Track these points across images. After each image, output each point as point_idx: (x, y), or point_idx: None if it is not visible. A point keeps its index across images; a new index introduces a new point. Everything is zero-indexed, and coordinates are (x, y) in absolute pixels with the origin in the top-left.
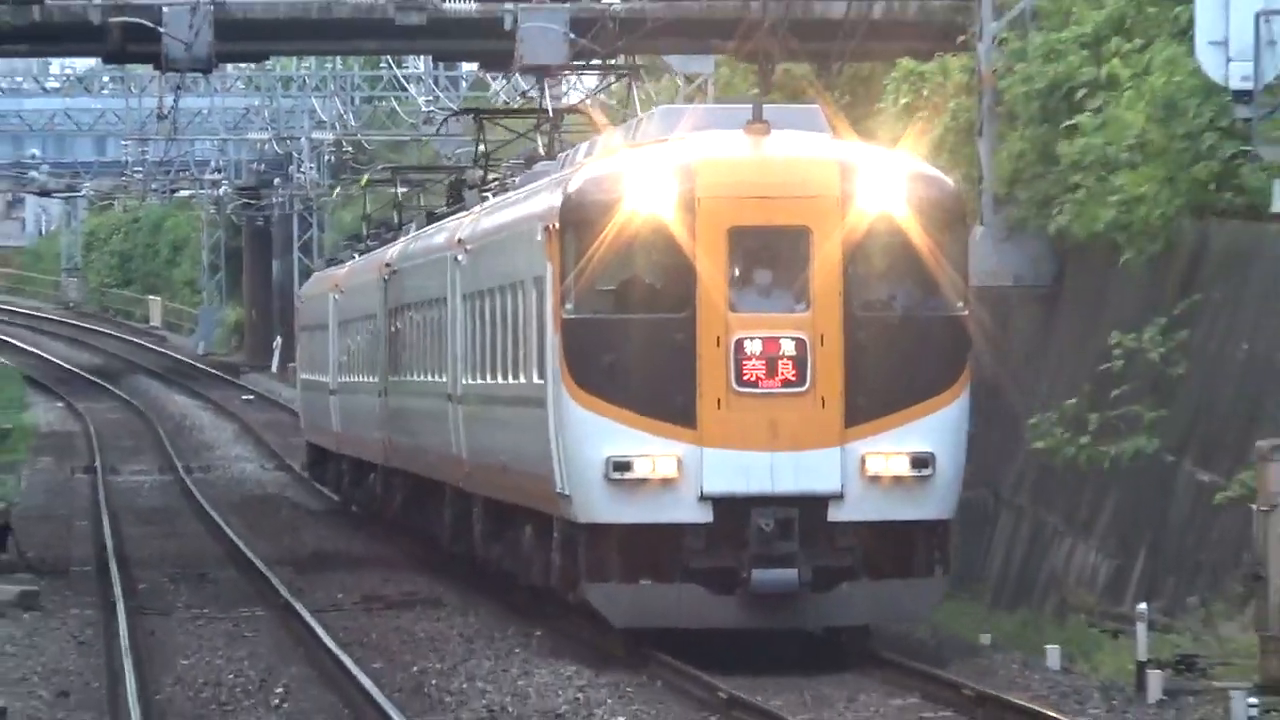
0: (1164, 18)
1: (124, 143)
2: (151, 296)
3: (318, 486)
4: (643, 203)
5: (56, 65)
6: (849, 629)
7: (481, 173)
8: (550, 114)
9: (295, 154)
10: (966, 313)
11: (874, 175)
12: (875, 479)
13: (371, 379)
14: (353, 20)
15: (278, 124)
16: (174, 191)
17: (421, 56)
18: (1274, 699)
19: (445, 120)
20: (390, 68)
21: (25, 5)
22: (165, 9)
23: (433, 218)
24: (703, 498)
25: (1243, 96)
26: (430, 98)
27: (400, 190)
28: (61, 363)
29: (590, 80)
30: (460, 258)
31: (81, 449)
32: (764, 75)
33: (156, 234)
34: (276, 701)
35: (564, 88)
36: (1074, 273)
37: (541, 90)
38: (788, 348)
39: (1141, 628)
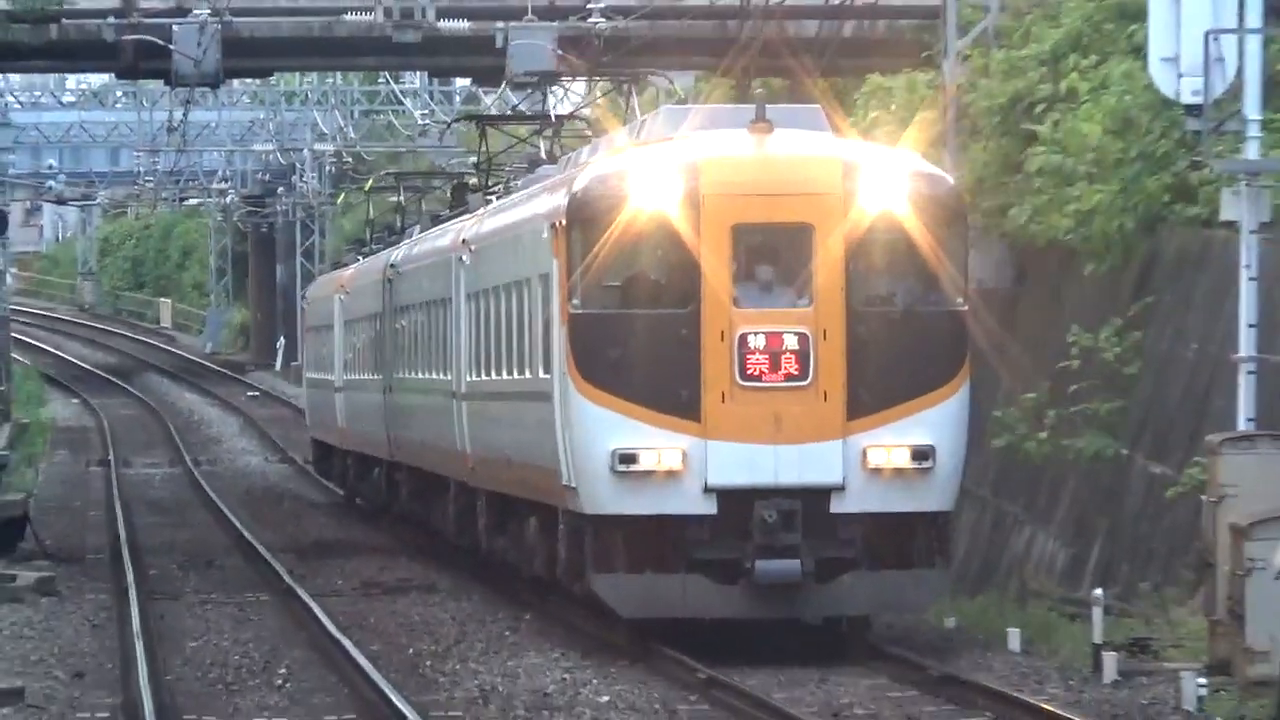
0: (1119, 35)
1: (136, 154)
2: (162, 299)
3: (322, 481)
4: (648, 200)
5: (73, 81)
6: (850, 619)
7: (483, 177)
8: (553, 119)
9: (298, 164)
10: (966, 308)
11: (875, 173)
12: (877, 471)
13: (376, 376)
14: (352, 38)
15: (281, 136)
16: (183, 200)
17: (417, 72)
18: (1222, 679)
19: (448, 126)
20: (388, 83)
21: (43, 24)
22: (175, 28)
23: (436, 221)
24: (707, 490)
25: (1193, 110)
26: (425, 111)
27: (403, 196)
28: (77, 361)
29: (583, 89)
30: (465, 257)
31: (96, 443)
32: (741, 91)
33: (167, 240)
34: (280, 681)
35: (559, 95)
36: (1033, 277)
37: (543, 96)
38: (791, 342)
39: (1097, 612)
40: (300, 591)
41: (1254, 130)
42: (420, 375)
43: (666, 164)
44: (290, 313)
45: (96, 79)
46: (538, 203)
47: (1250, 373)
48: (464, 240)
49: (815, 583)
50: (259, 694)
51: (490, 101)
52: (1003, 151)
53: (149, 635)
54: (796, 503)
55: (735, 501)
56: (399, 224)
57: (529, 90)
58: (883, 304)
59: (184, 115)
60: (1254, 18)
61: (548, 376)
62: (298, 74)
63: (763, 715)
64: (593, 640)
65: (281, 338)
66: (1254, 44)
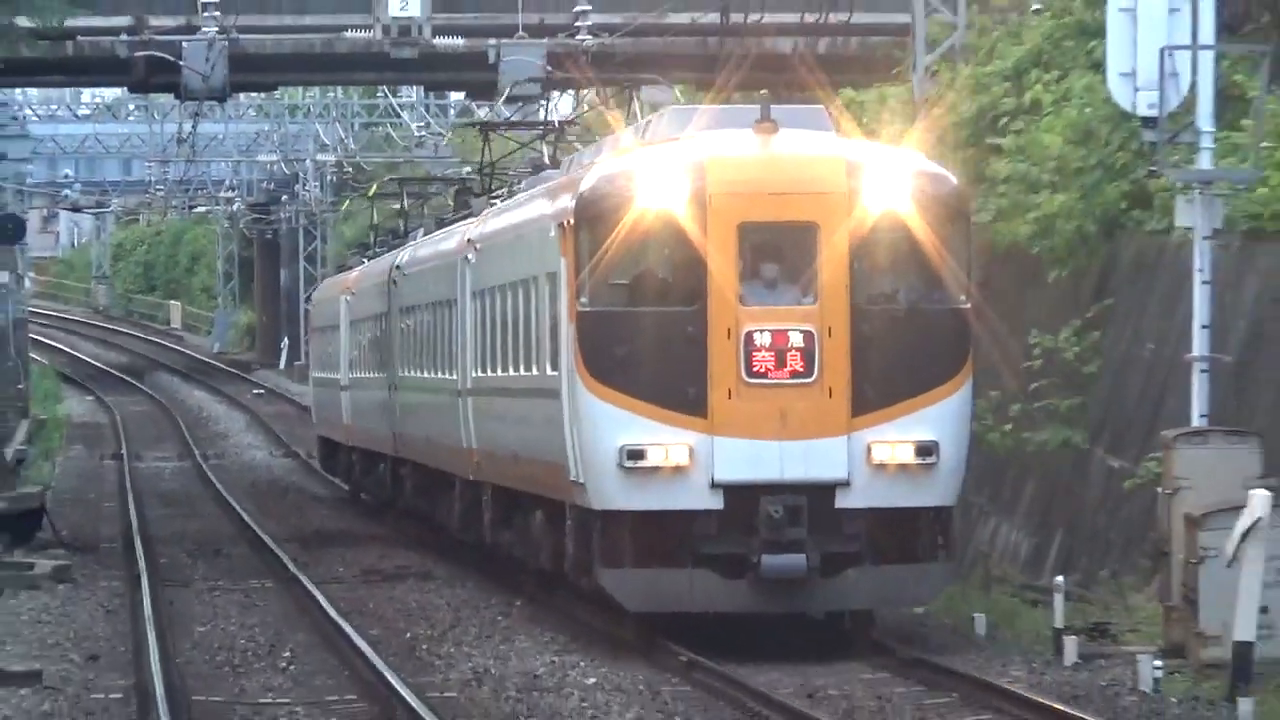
0: (1079, 51)
1: (148, 164)
2: (172, 301)
3: (327, 476)
4: (655, 199)
5: (88, 95)
6: (854, 614)
7: (486, 181)
8: (556, 125)
9: (301, 174)
10: (969, 305)
11: (879, 172)
12: (881, 467)
13: (381, 375)
14: (352, 55)
15: (285, 147)
16: (192, 207)
17: (414, 87)
18: (1177, 662)
19: (451, 131)
20: (386, 97)
21: (60, 41)
22: (185, 45)
23: (441, 223)
24: (714, 485)
25: (1149, 122)
26: (422, 124)
27: (406, 201)
28: (92, 361)
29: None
30: (470, 257)
31: (109, 438)
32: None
33: (177, 245)
34: (284, 664)
35: (551, 103)
36: (997, 279)
37: (545, 103)
38: (796, 340)
39: (1059, 598)
40: (303, 579)
41: (1206, 141)
42: (425, 373)
43: (673, 163)
44: (293, 314)
45: (110, 93)
46: (545, 202)
47: (1203, 371)
48: (469, 240)
49: (820, 577)
50: (264, 675)
51: (484, 115)
52: (970, 163)
53: (160, 620)
54: (802, 498)
55: (741, 497)
56: (402, 228)
57: (520, 103)
58: (887, 302)
59: (193, 127)
60: (1206, 35)
61: (555, 374)
62: (301, 88)
63: (740, 695)
64: (581, 626)
65: (285, 338)
66: (1206, 60)
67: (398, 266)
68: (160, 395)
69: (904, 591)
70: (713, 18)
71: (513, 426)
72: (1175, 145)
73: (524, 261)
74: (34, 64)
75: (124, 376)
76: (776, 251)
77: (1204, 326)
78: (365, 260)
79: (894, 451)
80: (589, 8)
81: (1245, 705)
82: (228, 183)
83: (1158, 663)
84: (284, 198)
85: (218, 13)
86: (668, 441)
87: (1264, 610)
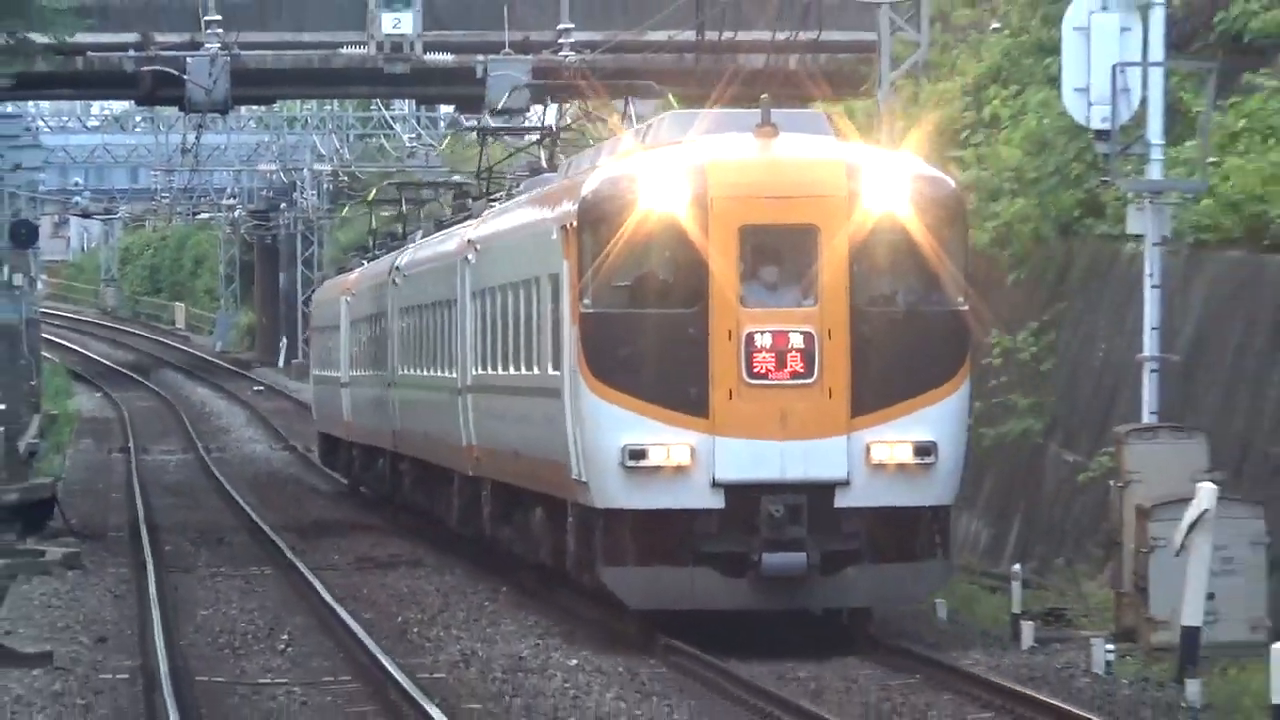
0: (1036, 68)
1: (154, 173)
2: (177, 303)
3: (326, 470)
4: (657, 202)
5: (96, 107)
6: (851, 611)
7: (484, 184)
8: (554, 130)
9: (299, 182)
10: (967, 307)
11: (879, 175)
12: (880, 466)
13: (381, 373)
14: (347, 70)
15: (284, 157)
16: (196, 214)
17: (406, 100)
18: (1127, 645)
19: (450, 136)
20: (379, 109)
21: (70, 56)
22: (189, 60)
23: (440, 226)
24: (715, 485)
25: (1102, 135)
26: (413, 135)
27: (404, 205)
28: (100, 359)
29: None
30: (470, 258)
31: (117, 432)
32: None
33: (181, 250)
34: (282, 646)
35: (539, 112)
36: None
37: (544, 107)
38: (796, 341)
39: (1016, 585)
40: (301, 566)
41: (1156, 153)
42: (424, 371)
43: (675, 167)
44: (292, 315)
45: (118, 106)
46: (547, 204)
47: (1153, 371)
48: (469, 241)
49: (820, 575)
50: (263, 657)
51: (473, 125)
52: None
53: (164, 605)
54: (802, 497)
55: (742, 496)
56: (401, 230)
57: (508, 115)
58: (886, 303)
59: (196, 138)
60: (1156, 52)
61: (557, 373)
62: (299, 101)
63: (713, 676)
64: (563, 611)
65: (284, 338)
66: (1156, 76)
67: (397, 267)
68: (165, 392)
69: (902, 589)
70: (689, 35)
71: (513, 424)
72: (1126, 157)
73: (525, 263)
74: (46, 78)
75: (131, 374)
76: (777, 254)
77: (1154, 328)
78: (364, 262)
79: (893, 451)
80: (571, 25)
81: (1193, 686)
82: (229, 190)
83: (1110, 646)
84: (282, 205)
85: (220, 30)
86: (669, 441)
87: (1210, 597)
